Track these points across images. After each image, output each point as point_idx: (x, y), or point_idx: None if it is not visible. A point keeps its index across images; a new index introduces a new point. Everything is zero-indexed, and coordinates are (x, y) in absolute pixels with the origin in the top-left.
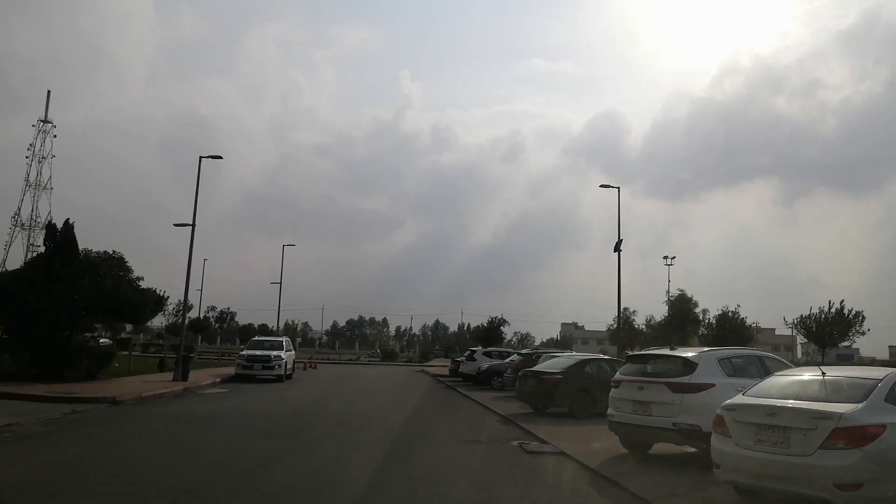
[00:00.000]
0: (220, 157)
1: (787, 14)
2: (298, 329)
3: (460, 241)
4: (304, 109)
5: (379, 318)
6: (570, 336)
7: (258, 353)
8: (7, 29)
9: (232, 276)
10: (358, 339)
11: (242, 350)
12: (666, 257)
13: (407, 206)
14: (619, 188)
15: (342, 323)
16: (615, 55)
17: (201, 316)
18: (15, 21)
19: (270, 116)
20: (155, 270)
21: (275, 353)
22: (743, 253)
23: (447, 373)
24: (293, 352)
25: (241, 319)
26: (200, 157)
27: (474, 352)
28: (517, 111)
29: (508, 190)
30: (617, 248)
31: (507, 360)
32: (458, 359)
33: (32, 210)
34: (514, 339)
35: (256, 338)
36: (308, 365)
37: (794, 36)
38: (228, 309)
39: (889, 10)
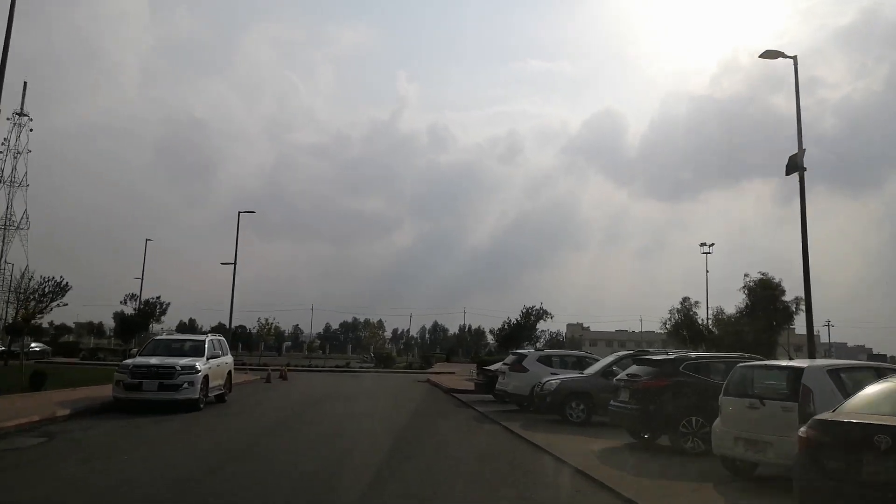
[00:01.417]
0: None
1: (785, 11)
2: (274, 330)
3: (459, 241)
4: (300, 110)
5: (374, 321)
6: (579, 337)
7: (153, 362)
8: (3, 27)
9: (225, 278)
10: (351, 342)
11: (130, 356)
12: (703, 244)
13: (404, 206)
14: (795, 57)
15: (336, 325)
16: (612, 54)
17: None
18: (14, 19)
19: (266, 117)
20: (151, 271)
21: (184, 361)
22: (742, 252)
23: (469, 386)
24: (227, 357)
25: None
26: None
27: (523, 357)
28: (514, 111)
29: (507, 190)
30: (796, 167)
31: (594, 370)
32: (492, 368)
33: (7, 209)
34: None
35: (161, 336)
36: (278, 375)
37: (793, 33)
38: (158, 298)
39: (889, 8)
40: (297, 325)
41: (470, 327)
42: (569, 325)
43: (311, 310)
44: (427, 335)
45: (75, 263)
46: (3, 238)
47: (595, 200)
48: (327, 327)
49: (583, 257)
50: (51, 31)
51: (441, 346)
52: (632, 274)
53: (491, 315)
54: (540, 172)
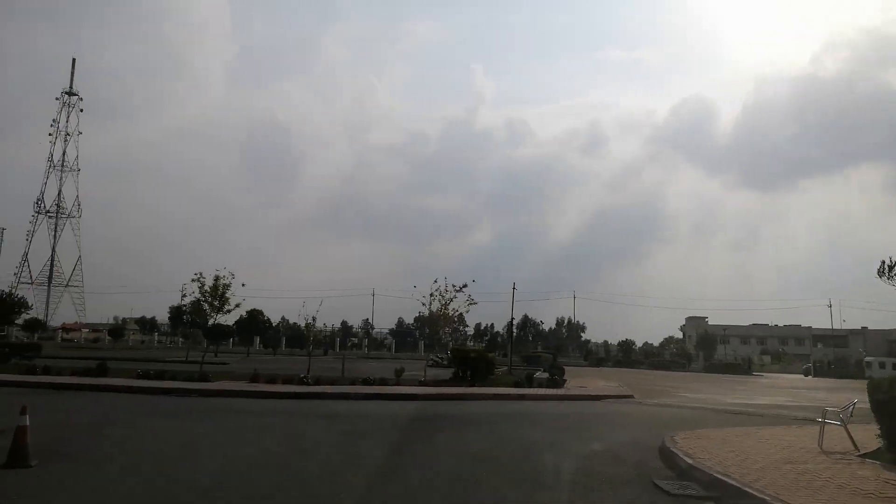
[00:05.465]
0: None
1: None
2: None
3: (538, 238)
4: (377, 108)
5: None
6: (710, 333)
7: None
8: (98, 40)
9: (303, 279)
10: (424, 338)
11: None
12: None
13: (482, 203)
14: None
15: (409, 320)
16: (698, 38)
17: None
18: (105, 33)
19: (344, 117)
20: (243, 275)
21: None
22: (845, 246)
23: None
24: None
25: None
26: None
27: None
28: (595, 102)
29: (589, 183)
30: None
31: None
32: None
33: (59, 194)
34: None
35: None
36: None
37: None
38: None
39: None
40: (367, 318)
41: (570, 320)
42: (689, 319)
43: (373, 295)
44: (516, 330)
45: (146, 264)
46: (56, 227)
47: (684, 191)
48: (400, 322)
49: (671, 251)
50: (140, 43)
51: (543, 342)
52: (725, 267)
53: (601, 302)
54: (624, 164)
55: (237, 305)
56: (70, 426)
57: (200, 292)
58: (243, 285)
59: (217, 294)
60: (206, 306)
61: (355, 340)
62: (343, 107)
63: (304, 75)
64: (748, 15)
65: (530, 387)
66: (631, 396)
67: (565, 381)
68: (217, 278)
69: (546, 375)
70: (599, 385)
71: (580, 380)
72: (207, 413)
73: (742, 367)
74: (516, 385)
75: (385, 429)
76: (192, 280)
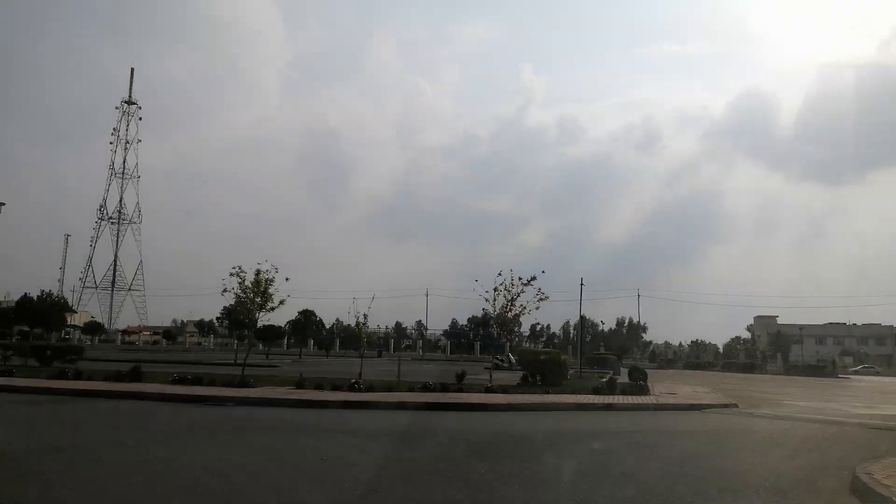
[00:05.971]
0: None
1: None
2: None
3: (593, 237)
4: (427, 111)
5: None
6: (783, 333)
7: None
8: (155, 51)
9: (357, 281)
10: (480, 339)
11: None
12: None
13: (535, 202)
14: None
15: (462, 321)
16: (753, 28)
17: None
18: (162, 43)
19: (395, 119)
20: (299, 279)
21: None
22: None
23: None
24: None
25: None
26: None
27: None
28: (648, 98)
29: (644, 180)
30: None
31: None
32: None
33: (120, 201)
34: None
35: None
36: None
37: None
38: None
39: None
40: (420, 320)
41: (631, 320)
42: (757, 318)
43: (426, 295)
44: (572, 331)
45: (205, 269)
46: (118, 233)
47: (744, 187)
48: (454, 323)
49: (731, 248)
50: (195, 52)
51: (607, 343)
52: (789, 265)
53: (660, 300)
54: (680, 160)
55: (282, 302)
56: (52, 449)
57: (241, 287)
58: (287, 279)
59: (259, 290)
60: (247, 303)
61: (409, 342)
62: (394, 110)
63: (354, 80)
64: (806, 1)
65: (612, 393)
66: (734, 406)
67: (648, 386)
68: (258, 272)
69: (625, 379)
70: (688, 391)
71: (662, 384)
72: (233, 430)
73: (827, 370)
74: (596, 391)
75: (462, 458)
76: (231, 274)
